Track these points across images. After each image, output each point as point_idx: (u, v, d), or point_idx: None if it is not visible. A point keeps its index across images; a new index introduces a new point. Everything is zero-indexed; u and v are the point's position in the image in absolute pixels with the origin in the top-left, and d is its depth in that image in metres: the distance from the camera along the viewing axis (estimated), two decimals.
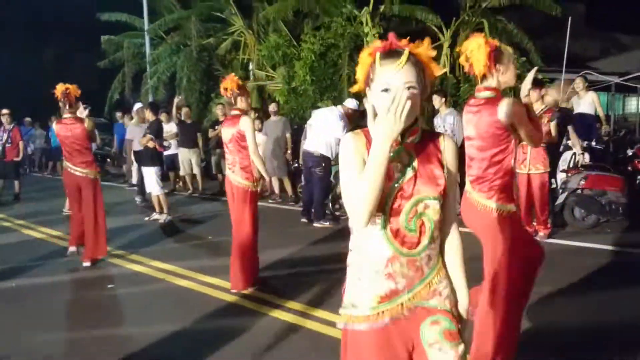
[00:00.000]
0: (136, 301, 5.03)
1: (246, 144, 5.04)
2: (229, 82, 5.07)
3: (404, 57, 1.63)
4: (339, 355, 1.86)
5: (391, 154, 1.62)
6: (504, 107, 3.04)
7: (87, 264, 6.07)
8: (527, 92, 3.21)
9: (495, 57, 3.07)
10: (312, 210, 8.01)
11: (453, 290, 1.83)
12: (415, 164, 1.73)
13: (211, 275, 5.46)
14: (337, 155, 7.79)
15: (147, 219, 8.64)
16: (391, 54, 1.65)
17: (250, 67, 15.55)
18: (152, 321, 4.42)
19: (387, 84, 1.65)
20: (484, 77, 3.14)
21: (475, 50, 3.06)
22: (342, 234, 7.23)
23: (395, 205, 1.70)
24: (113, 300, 5.12)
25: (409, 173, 1.71)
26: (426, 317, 1.75)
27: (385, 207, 1.69)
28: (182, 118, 11.25)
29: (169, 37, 17.26)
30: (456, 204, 2.08)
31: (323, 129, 7.82)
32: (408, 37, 1.71)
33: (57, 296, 5.27)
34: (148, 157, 8.54)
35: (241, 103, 5.11)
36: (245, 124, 4.99)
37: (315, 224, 7.82)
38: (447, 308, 1.78)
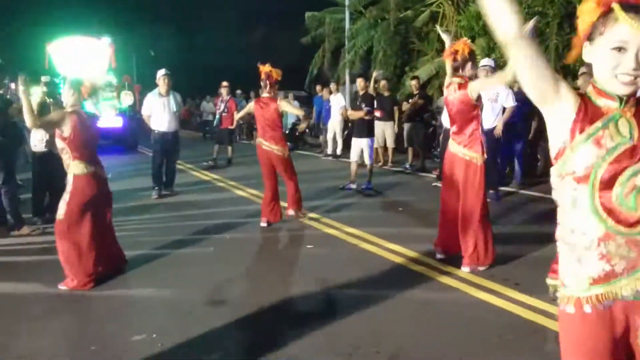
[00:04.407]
0: (329, 263, 5.31)
1: (474, 114, 4.68)
2: (461, 45, 4.71)
3: None
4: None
5: (602, 122, 1.48)
6: None
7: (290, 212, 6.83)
8: None
9: None
10: None
11: None
12: (635, 132, 1.52)
13: (401, 245, 5.56)
14: None
15: (341, 187, 9.07)
16: (636, 7, 1.42)
17: None
18: (343, 284, 4.64)
19: (624, 42, 1.43)
20: None
21: None
22: (533, 207, 6.80)
23: (606, 177, 1.51)
24: (310, 259, 5.52)
25: (626, 142, 1.51)
26: None
27: (592, 178, 1.51)
28: (380, 91, 11.42)
29: (367, 11, 17.60)
30: None
31: None
32: None
33: (263, 250, 5.91)
34: (365, 129, 8.91)
35: (469, 70, 4.75)
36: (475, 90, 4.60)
37: None
38: None
